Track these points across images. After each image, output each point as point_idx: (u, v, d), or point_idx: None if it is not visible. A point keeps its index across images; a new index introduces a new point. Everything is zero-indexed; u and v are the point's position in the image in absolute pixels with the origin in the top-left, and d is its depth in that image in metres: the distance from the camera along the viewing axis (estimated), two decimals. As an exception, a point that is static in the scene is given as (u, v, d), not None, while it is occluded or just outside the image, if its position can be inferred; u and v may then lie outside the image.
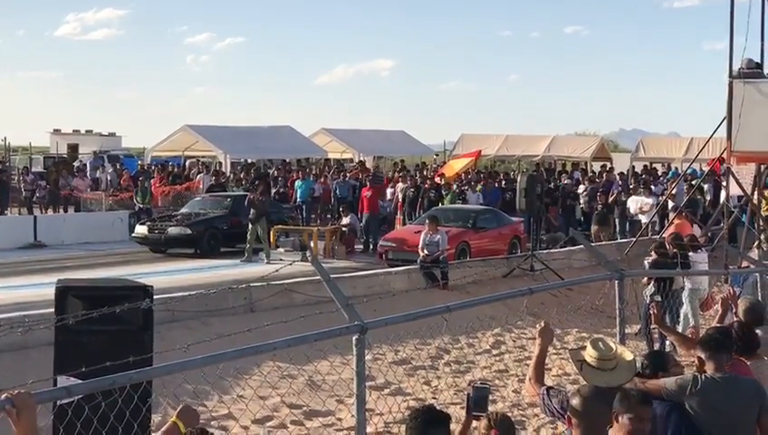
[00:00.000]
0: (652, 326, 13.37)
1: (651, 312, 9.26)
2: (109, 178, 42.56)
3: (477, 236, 28.02)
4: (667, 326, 9.38)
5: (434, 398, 13.80)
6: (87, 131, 66.49)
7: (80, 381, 5.99)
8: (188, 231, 30.47)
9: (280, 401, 12.62)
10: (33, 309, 16.07)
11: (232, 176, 42.87)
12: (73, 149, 58.74)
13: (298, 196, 37.03)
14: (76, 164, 47.21)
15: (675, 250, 17.94)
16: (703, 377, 7.12)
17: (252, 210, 28.79)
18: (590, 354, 6.57)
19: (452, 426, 5.80)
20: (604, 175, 40.61)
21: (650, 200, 30.98)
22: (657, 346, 16.56)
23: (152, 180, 39.89)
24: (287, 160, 50.53)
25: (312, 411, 12.76)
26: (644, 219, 30.32)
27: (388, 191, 36.76)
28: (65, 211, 39.22)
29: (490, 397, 6.35)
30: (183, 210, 32.98)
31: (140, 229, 31.32)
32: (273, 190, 36.48)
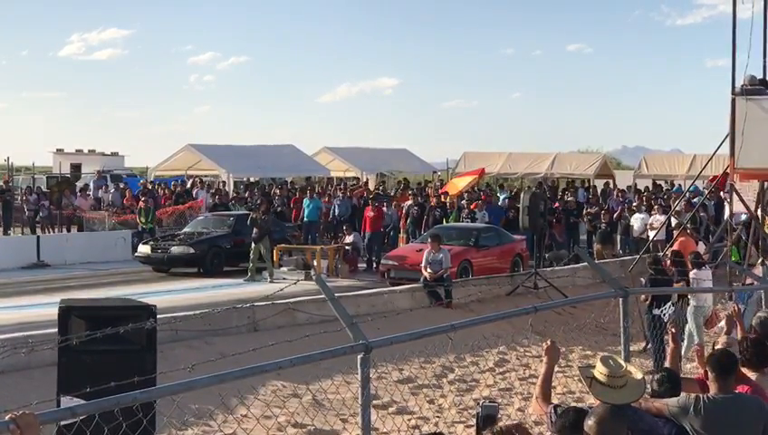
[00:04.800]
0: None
1: (671, 330, 9.20)
2: (111, 197, 42.53)
3: (479, 255, 27.92)
4: (679, 354, 9.30)
5: (438, 416, 13.76)
6: (90, 151, 66.48)
7: (83, 402, 5.96)
8: (191, 250, 30.40)
9: (285, 420, 12.58)
10: (36, 329, 16.06)
11: (235, 195, 42.84)
12: (76, 168, 58.73)
13: (305, 215, 36.96)
14: (79, 184, 47.18)
15: (673, 267, 18.00)
16: (705, 398, 7.07)
17: (254, 229, 28.76)
18: (600, 371, 6.54)
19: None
20: (616, 193, 40.81)
21: (662, 218, 30.89)
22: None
23: (159, 199, 39.97)
24: (290, 180, 50.64)
25: (317, 431, 12.72)
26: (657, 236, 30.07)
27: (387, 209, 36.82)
28: (68, 231, 39.20)
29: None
30: (186, 229, 32.94)
31: (143, 249, 31.23)
32: (272, 209, 36.26)
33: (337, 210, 37.44)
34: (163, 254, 30.60)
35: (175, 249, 30.46)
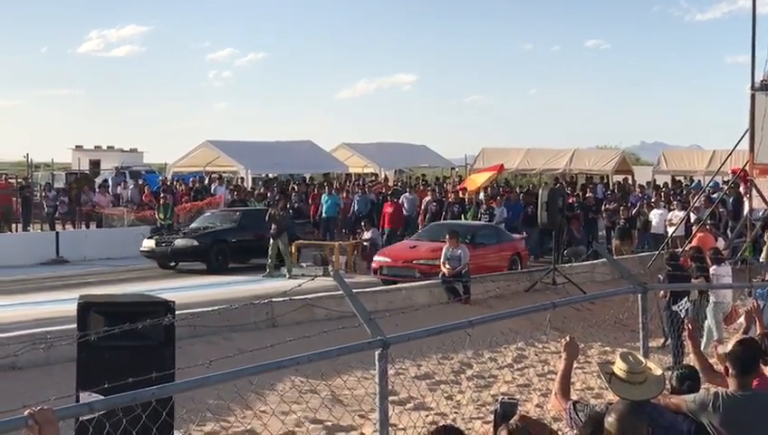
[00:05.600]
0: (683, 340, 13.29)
1: (687, 326, 9.14)
2: (130, 194, 42.62)
3: (475, 253, 26.68)
4: (699, 349, 9.24)
5: (456, 412, 13.75)
6: (109, 147, 66.81)
7: (102, 397, 5.98)
8: (195, 243, 30.17)
9: (302, 416, 12.58)
10: (55, 325, 16.08)
11: (251, 190, 42.84)
12: (95, 164, 58.95)
13: (323, 211, 37.02)
14: (98, 180, 47.34)
15: (692, 263, 17.94)
16: (724, 394, 7.03)
17: (273, 225, 28.75)
18: (619, 367, 6.52)
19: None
20: (637, 189, 40.76)
21: (680, 214, 30.81)
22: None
23: (177, 195, 40.09)
24: (308, 176, 50.71)
25: (335, 426, 12.72)
26: (676, 232, 29.96)
27: (406, 199, 36.99)
28: (87, 227, 39.31)
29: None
30: (193, 224, 32.77)
31: (147, 243, 31.08)
32: (288, 205, 36.06)
33: (356, 206, 37.48)
34: (167, 247, 30.45)
35: (178, 242, 30.30)
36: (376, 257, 28.02)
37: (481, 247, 27.70)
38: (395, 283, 24.41)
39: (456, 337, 10.19)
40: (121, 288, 25.20)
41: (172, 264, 31.05)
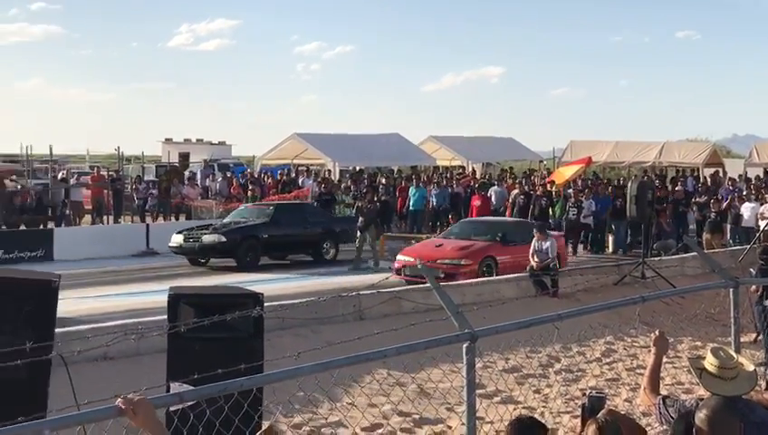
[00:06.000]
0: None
1: None
2: (218, 186, 43.02)
3: (505, 251, 26.34)
4: None
5: (544, 406, 13.68)
6: (198, 140, 67.33)
7: (192, 388, 6.03)
8: (223, 239, 29.12)
9: (390, 408, 12.60)
10: (146, 316, 16.27)
11: (342, 184, 43.00)
12: (184, 157, 59.46)
13: (411, 204, 37.06)
14: (187, 173, 47.85)
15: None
16: None
17: (360, 218, 28.81)
18: (710, 363, 6.42)
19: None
20: (728, 182, 40.19)
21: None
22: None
23: (265, 187, 40.41)
24: (397, 168, 50.81)
25: (423, 419, 12.71)
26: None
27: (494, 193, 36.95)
28: (176, 219, 39.74)
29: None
30: (225, 219, 32.25)
31: (176, 238, 30.10)
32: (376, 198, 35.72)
33: (435, 200, 37.50)
34: (194, 243, 29.53)
35: (206, 238, 29.30)
36: (399, 256, 26.72)
37: (512, 245, 26.56)
38: (418, 283, 23.70)
39: (544, 330, 10.11)
40: (211, 280, 25.46)
41: (202, 260, 30.19)
